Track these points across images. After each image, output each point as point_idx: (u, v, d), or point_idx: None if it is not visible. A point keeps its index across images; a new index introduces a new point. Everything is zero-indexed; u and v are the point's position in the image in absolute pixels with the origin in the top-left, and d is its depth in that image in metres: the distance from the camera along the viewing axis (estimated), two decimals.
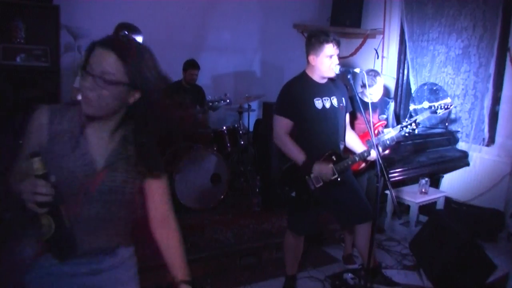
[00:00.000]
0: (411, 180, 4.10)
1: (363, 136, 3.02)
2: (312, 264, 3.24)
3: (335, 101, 2.65)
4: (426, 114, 3.01)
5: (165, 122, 1.29)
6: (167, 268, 1.43)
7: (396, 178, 3.75)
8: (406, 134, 2.77)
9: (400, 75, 4.87)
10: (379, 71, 4.07)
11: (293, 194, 2.57)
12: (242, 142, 4.52)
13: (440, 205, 4.01)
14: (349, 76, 2.46)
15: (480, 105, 4.08)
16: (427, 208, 3.94)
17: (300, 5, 5.44)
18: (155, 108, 1.26)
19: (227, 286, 2.93)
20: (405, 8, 4.66)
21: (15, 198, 1.21)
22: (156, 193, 1.38)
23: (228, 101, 4.06)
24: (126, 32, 2.82)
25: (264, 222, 3.77)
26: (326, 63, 2.53)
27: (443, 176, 4.33)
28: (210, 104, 4.18)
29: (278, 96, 2.68)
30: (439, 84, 4.34)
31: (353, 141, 2.81)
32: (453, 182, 4.28)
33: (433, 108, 2.98)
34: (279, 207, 3.81)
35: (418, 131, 3.81)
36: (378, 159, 2.30)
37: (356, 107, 2.91)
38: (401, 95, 4.87)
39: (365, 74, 2.88)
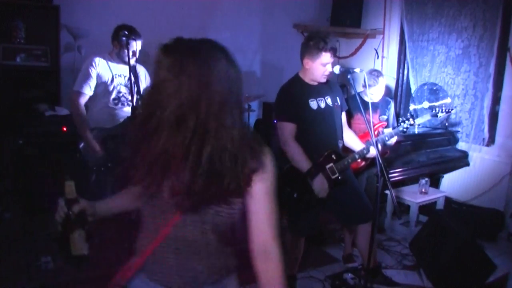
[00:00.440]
0: (411, 180, 4.10)
1: (363, 136, 3.02)
2: (312, 264, 3.23)
3: (329, 101, 2.66)
4: (427, 117, 3.02)
5: None
6: None
7: (396, 178, 3.74)
8: (404, 130, 2.79)
9: (400, 75, 4.87)
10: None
11: (295, 195, 2.58)
12: None
13: (440, 205, 4.01)
14: (349, 76, 2.47)
15: (480, 105, 4.08)
16: (427, 208, 3.94)
17: (300, 5, 5.44)
18: None
19: None
20: (405, 8, 4.66)
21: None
22: (254, 216, 1.17)
23: None
24: (126, 33, 2.83)
25: None
26: (320, 70, 2.54)
27: (443, 176, 4.33)
28: None
29: (276, 101, 2.69)
30: (439, 84, 4.33)
31: (351, 140, 2.82)
32: (453, 182, 4.28)
33: (434, 111, 2.99)
34: (279, 207, 3.80)
35: (418, 131, 3.82)
36: (378, 159, 2.30)
37: (356, 107, 2.92)
38: (401, 95, 4.87)
39: (365, 74, 2.88)
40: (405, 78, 4.84)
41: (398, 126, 2.82)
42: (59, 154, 3.47)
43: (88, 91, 2.89)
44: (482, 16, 4.00)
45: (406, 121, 2.78)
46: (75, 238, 1.25)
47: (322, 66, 2.52)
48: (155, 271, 1.19)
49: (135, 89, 2.99)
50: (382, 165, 2.29)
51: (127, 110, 2.99)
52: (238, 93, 1.18)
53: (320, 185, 2.51)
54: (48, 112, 3.71)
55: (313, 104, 2.59)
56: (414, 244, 3.40)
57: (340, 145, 2.76)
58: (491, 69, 3.96)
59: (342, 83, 4.37)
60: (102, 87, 2.91)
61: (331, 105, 2.66)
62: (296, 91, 2.61)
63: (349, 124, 3.01)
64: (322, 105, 2.61)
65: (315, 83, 2.64)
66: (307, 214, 2.66)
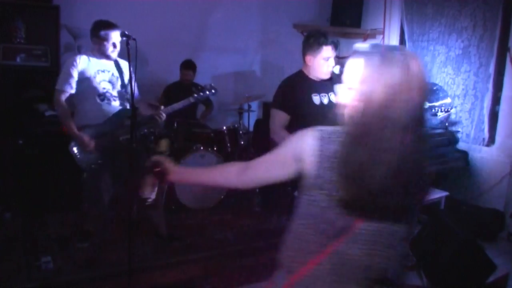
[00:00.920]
0: None
1: None
2: None
3: (333, 97, 2.66)
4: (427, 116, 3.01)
5: None
6: None
7: None
8: None
9: None
10: None
11: (296, 193, 2.58)
12: (242, 142, 4.52)
13: (440, 205, 4.01)
14: None
15: (480, 105, 4.07)
16: (427, 208, 3.93)
17: (300, 5, 5.44)
18: None
19: (227, 286, 2.93)
20: (405, 8, 4.67)
21: None
22: None
23: (213, 91, 3.50)
24: (103, 27, 2.88)
25: (264, 222, 3.76)
26: (322, 64, 2.54)
27: (443, 176, 4.32)
28: (196, 95, 3.52)
29: (276, 91, 2.69)
30: (439, 84, 4.33)
31: None
32: (453, 182, 4.27)
33: (433, 110, 2.98)
34: (279, 207, 3.81)
35: None
36: None
37: None
38: None
39: None
40: None
41: None
42: (59, 154, 3.47)
43: (69, 89, 2.92)
44: (482, 16, 4.00)
45: None
46: (148, 183, 1.42)
47: (324, 60, 2.52)
48: None
49: (120, 83, 3.01)
50: None
51: (115, 105, 3.01)
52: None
53: None
54: (48, 112, 3.71)
55: (316, 99, 2.59)
56: (414, 244, 3.40)
57: None
58: (491, 69, 3.96)
59: (340, 80, 4.38)
60: (86, 84, 2.94)
61: (334, 102, 2.66)
62: (297, 84, 2.62)
63: None
64: (325, 101, 2.62)
65: (319, 79, 2.65)
66: None
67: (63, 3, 3.92)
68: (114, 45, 2.93)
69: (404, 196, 0.99)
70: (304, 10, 5.46)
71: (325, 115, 2.63)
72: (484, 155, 4.08)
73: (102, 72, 2.98)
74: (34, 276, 2.73)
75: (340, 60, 2.66)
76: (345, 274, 1.07)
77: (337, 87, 2.77)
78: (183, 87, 4.53)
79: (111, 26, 2.93)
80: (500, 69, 3.95)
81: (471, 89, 4.17)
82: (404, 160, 0.97)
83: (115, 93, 3.01)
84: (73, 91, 2.93)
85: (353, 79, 1.05)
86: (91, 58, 2.97)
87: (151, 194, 1.40)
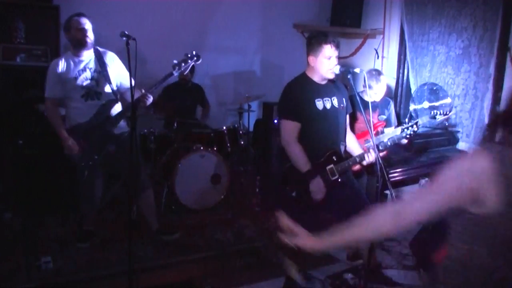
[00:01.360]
0: (411, 180, 4.09)
1: (362, 135, 3.02)
2: (312, 264, 3.23)
3: (335, 102, 2.65)
4: (426, 119, 3.01)
5: None
6: None
7: (396, 178, 3.74)
8: (408, 136, 2.77)
9: (400, 75, 4.86)
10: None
11: (294, 194, 2.58)
12: (242, 142, 4.53)
13: None
14: (349, 76, 2.47)
15: (480, 105, 4.07)
16: None
17: (300, 5, 5.44)
18: None
19: (227, 286, 2.93)
20: (405, 8, 4.66)
21: None
22: None
23: (195, 58, 3.14)
24: (70, 20, 2.95)
25: (264, 222, 3.77)
26: (324, 64, 2.54)
27: None
28: (177, 68, 3.15)
29: (281, 99, 2.68)
30: (439, 84, 4.33)
31: (351, 144, 2.81)
32: None
33: (432, 113, 2.99)
34: (279, 207, 3.80)
35: (418, 131, 3.82)
36: (378, 159, 2.30)
37: (355, 106, 2.91)
38: (401, 95, 4.87)
39: (365, 74, 2.88)
40: (405, 78, 4.84)
41: (401, 132, 2.78)
42: (59, 154, 3.48)
43: (56, 93, 3.00)
44: (482, 16, 4.00)
45: (410, 128, 2.75)
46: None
47: (326, 59, 2.52)
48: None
49: (104, 78, 3.02)
50: (382, 165, 2.29)
51: (101, 101, 3.04)
52: None
53: (316, 187, 2.50)
54: None
55: (319, 104, 2.59)
56: (414, 244, 3.40)
57: (342, 147, 2.75)
58: (491, 69, 3.96)
59: (342, 83, 4.37)
60: (70, 86, 2.98)
61: (337, 106, 2.65)
62: (303, 89, 2.61)
63: (352, 125, 3.00)
64: (328, 105, 2.61)
65: (323, 82, 2.64)
66: (307, 214, 2.66)
67: (63, 3, 3.92)
68: (85, 31, 2.96)
69: None
70: (304, 10, 5.46)
71: (327, 120, 2.63)
72: None
73: (83, 71, 3.01)
74: (34, 276, 2.74)
75: (340, 60, 2.65)
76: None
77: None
78: (183, 87, 4.54)
79: (77, 14, 3.00)
80: (500, 69, 3.95)
81: (471, 89, 4.17)
82: None
83: (100, 89, 3.03)
84: (60, 95, 3.01)
85: None
86: (70, 59, 3.01)
87: (299, 274, 1.35)
